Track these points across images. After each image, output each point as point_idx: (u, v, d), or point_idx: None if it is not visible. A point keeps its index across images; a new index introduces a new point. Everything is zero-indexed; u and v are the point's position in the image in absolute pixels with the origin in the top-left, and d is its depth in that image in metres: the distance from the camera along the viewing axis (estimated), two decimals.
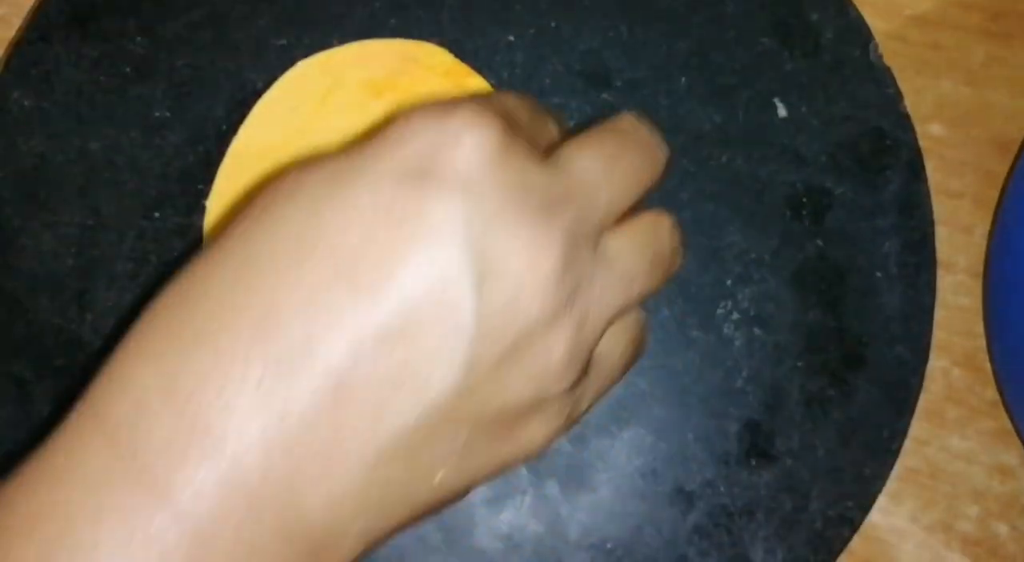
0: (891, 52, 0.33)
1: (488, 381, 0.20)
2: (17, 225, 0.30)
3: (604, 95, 0.32)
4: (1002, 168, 0.34)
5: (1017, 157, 0.33)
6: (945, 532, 0.32)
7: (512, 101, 0.23)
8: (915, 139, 0.32)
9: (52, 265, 0.30)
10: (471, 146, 0.20)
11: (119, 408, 0.20)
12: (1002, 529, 0.32)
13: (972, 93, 0.34)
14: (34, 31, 0.32)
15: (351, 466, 0.19)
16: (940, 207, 0.33)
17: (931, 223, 0.31)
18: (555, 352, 0.21)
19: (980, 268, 0.33)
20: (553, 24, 0.32)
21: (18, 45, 0.32)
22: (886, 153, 0.32)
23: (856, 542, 0.31)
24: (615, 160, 0.23)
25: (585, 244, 0.21)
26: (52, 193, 0.31)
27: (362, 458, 0.19)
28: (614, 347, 0.23)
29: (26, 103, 0.31)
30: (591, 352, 0.22)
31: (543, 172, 0.21)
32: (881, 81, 0.32)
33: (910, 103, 0.32)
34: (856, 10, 0.32)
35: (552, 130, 0.24)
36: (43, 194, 0.31)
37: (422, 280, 0.19)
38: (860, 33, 0.32)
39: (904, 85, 0.32)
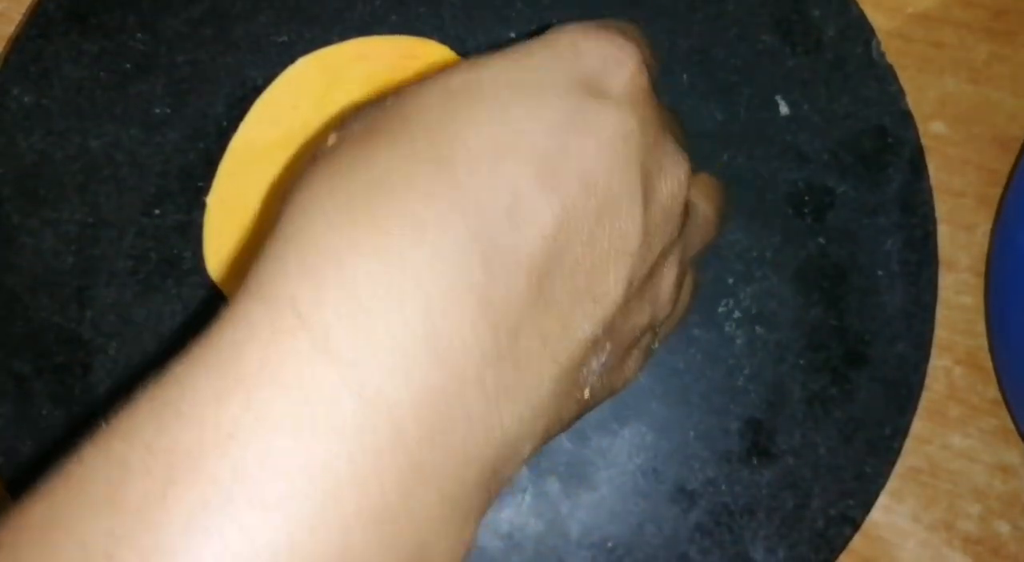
0: (893, 50, 0.33)
1: (634, 298, 0.21)
2: (17, 222, 0.30)
3: None
4: (1004, 166, 0.34)
5: (1019, 155, 0.33)
6: (946, 531, 0.32)
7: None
8: (917, 137, 0.32)
9: (52, 262, 0.30)
10: (634, 71, 0.21)
11: (297, 291, 0.18)
12: (1004, 528, 0.32)
13: (974, 91, 0.34)
14: (34, 27, 0.31)
15: (542, 378, 0.19)
16: (942, 205, 0.33)
17: (933, 221, 0.31)
18: (668, 278, 0.23)
19: (982, 267, 0.33)
20: (554, 21, 0.32)
21: (17, 41, 0.32)
22: (888, 151, 0.32)
23: (857, 541, 0.31)
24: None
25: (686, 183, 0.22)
26: (52, 190, 0.31)
27: (550, 371, 0.19)
28: (685, 288, 0.25)
29: (26, 100, 0.31)
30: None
31: (662, 116, 0.22)
32: (883, 79, 0.32)
33: (912, 101, 0.32)
34: (858, 7, 0.32)
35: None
36: (43, 191, 0.31)
37: (603, 192, 0.20)
38: (862, 30, 0.32)
39: (906, 83, 0.32)
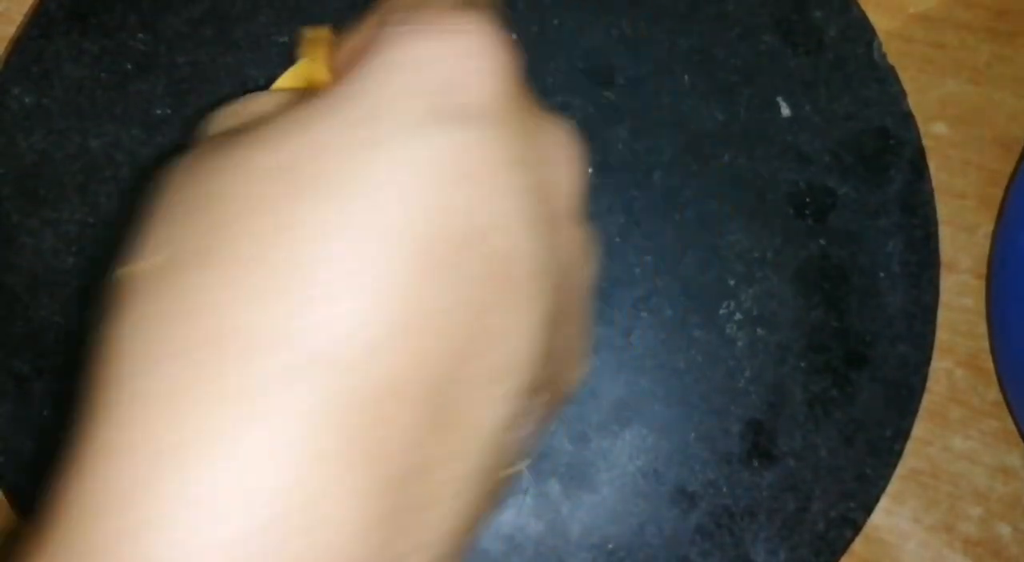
0: (895, 51, 0.33)
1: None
2: (17, 222, 0.30)
3: (607, 93, 0.32)
4: (1006, 167, 0.34)
5: (1021, 156, 0.33)
6: (947, 533, 0.32)
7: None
8: (918, 138, 0.32)
9: (52, 262, 0.30)
10: (491, 72, 0.16)
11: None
12: (1004, 530, 0.32)
13: (976, 92, 0.34)
14: (34, 27, 0.31)
15: (449, 506, 0.16)
16: (943, 207, 0.33)
17: (934, 222, 0.31)
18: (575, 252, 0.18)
19: (983, 268, 0.33)
20: (556, 22, 0.32)
21: (18, 41, 0.32)
22: (889, 152, 0.31)
23: (858, 543, 0.31)
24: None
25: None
26: (52, 190, 0.31)
27: (456, 495, 0.16)
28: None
29: (27, 100, 0.31)
30: None
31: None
32: (884, 80, 0.32)
33: (914, 102, 0.32)
34: (859, 8, 0.32)
35: None
36: (43, 191, 0.31)
37: (489, 248, 0.15)
38: (863, 31, 0.32)
39: (908, 84, 0.32)
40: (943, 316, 0.32)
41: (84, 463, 0.15)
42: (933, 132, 0.34)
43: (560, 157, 0.18)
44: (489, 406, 0.16)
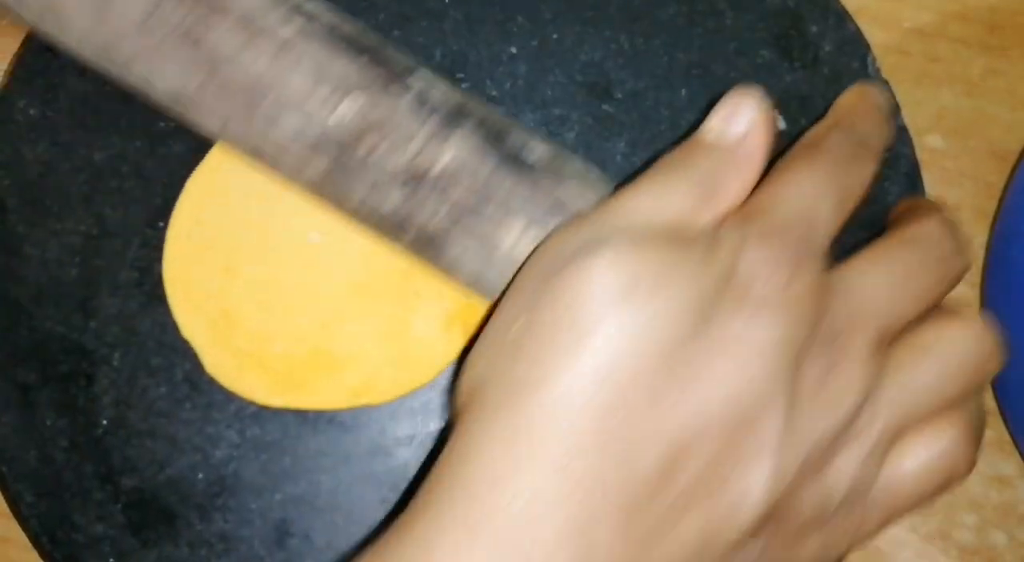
0: (890, 64, 0.33)
1: (790, 493, 0.21)
2: (22, 233, 0.31)
3: (605, 106, 0.32)
4: (1000, 179, 0.34)
5: (1015, 168, 0.33)
6: (943, 540, 0.32)
7: (802, 200, 0.23)
8: (913, 151, 0.32)
9: (56, 273, 0.30)
10: (789, 276, 0.21)
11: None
12: (1000, 538, 0.32)
13: (971, 105, 0.34)
14: (40, 40, 0.32)
15: None
16: None
17: None
18: (844, 469, 0.22)
19: (978, 279, 0.33)
20: (555, 36, 0.32)
21: (23, 54, 0.32)
22: (884, 164, 0.32)
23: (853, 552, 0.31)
24: (908, 280, 0.24)
25: (869, 359, 0.22)
26: (57, 201, 0.31)
27: None
28: (905, 468, 0.24)
29: (32, 112, 0.31)
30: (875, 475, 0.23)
31: (828, 294, 0.22)
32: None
33: (909, 115, 0.33)
34: (855, 23, 0.33)
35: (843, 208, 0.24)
36: (48, 202, 0.31)
37: (733, 408, 0.20)
38: (858, 47, 0.32)
39: (903, 97, 0.33)
40: None
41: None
42: (928, 144, 0.34)
43: (843, 371, 0.22)
44: (733, 506, 0.21)
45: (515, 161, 0.25)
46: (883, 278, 0.23)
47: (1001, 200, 0.34)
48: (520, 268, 0.23)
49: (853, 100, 0.27)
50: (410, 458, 0.29)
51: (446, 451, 0.21)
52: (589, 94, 0.32)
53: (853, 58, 0.32)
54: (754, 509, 0.20)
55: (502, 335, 0.21)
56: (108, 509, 0.29)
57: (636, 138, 0.32)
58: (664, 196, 0.22)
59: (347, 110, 0.25)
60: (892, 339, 0.23)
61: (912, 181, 0.32)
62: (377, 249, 0.29)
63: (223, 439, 0.29)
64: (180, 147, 0.31)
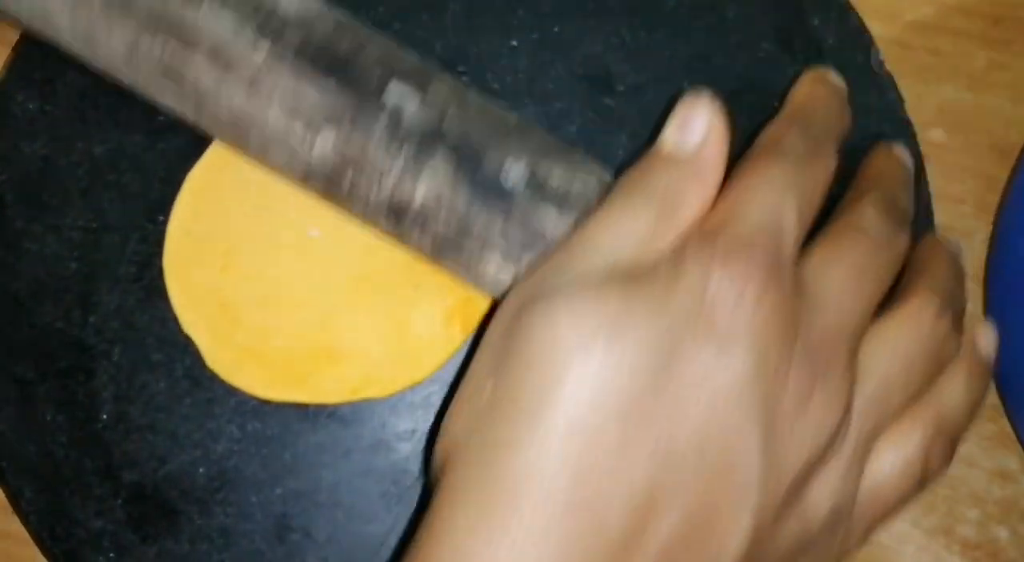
0: (892, 58, 0.33)
1: (770, 529, 0.21)
2: (20, 228, 0.30)
3: (606, 100, 0.32)
4: (1003, 173, 0.34)
5: (1017, 162, 0.33)
6: (945, 536, 0.32)
7: (781, 206, 0.22)
8: (916, 145, 0.32)
9: (55, 268, 0.30)
10: (750, 300, 0.20)
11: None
12: (1002, 533, 0.32)
13: (973, 99, 0.34)
14: None
15: None
16: (941, 212, 0.33)
17: (932, 227, 0.32)
18: (822, 493, 0.21)
19: (981, 273, 0.33)
20: (556, 29, 0.32)
21: (22, 47, 0.32)
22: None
23: None
24: (866, 273, 0.23)
25: (845, 372, 0.21)
26: (56, 196, 0.31)
27: None
28: (881, 475, 0.23)
29: (30, 106, 0.31)
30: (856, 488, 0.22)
31: (799, 308, 0.21)
32: (882, 87, 0.32)
33: (911, 108, 0.32)
34: (858, 16, 0.33)
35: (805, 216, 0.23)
36: (46, 197, 0.31)
37: (709, 452, 0.20)
38: (861, 40, 0.32)
39: (905, 91, 0.33)
40: None
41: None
42: (931, 138, 0.34)
43: (819, 401, 0.21)
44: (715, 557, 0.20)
45: (491, 189, 0.25)
46: (845, 274, 0.22)
47: (1004, 194, 0.34)
48: (489, 322, 0.22)
49: (807, 89, 0.27)
50: (411, 452, 0.29)
51: (426, 518, 0.20)
52: (590, 87, 0.32)
53: (856, 51, 0.32)
54: (735, 557, 0.20)
55: (475, 396, 0.21)
56: (108, 504, 0.29)
57: (638, 131, 0.32)
58: (624, 223, 0.22)
59: (323, 147, 0.25)
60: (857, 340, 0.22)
61: (915, 174, 0.32)
62: (377, 244, 0.29)
63: (224, 434, 0.29)
64: (179, 141, 0.31)
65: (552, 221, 0.25)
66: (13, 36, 0.33)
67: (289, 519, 0.29)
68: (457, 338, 0.30)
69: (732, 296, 0.20)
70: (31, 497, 0.29)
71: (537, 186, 0.25)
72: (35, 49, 0.32)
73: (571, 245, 0.22)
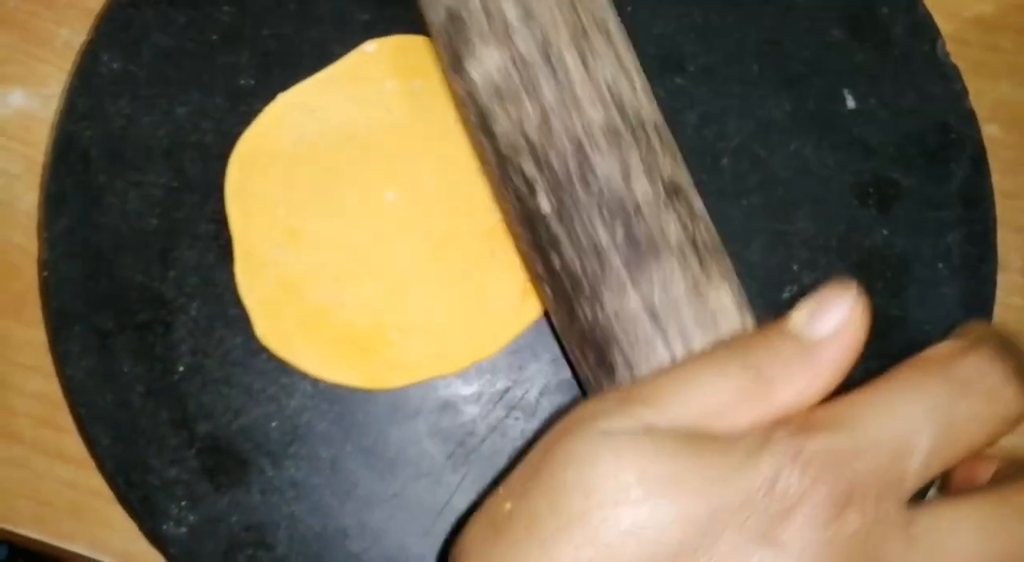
0: (951, 53, 0.34)
1: None
2: (104, 183, 0.31)
3: (678, 79, 0.32)
4: None
5: None
6: None
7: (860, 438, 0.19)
8: (979, 135, 0.32)
9: (136, 223, 0.31)
10: (823, 519, 0.18)
11: None
12: None
13: None
14: None
15: None
16: (996, 207, 0.33)
17: (993, 217, 0.32)
18: None
19: None
20: (629, 9, 0.32)
21: (109, 9, 0.33)
22: (951, 147, 0.32)
23: None
24: (1000, 536, 0.19)
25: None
26: (138, 154, 0.31)
27: None
28: None
29: (115, 66, 0.32)
30: None
31: (896, 552, 0.18)
32: (948, 77, 0.33)
33: None
34: (924, 7, 0.33)
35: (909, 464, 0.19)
36: (129, 154, 0.31)
37: None
38: (928, 30, 0.33)
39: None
40: (994, 313, 0.33)
41: None
42: (987, 134, 0.34)
43: None
44: None
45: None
46: (976, 544, 0.19)
47: None
48: (540, 437, 0.21)
49: (995, 332, 0.22)
50: (477, 415, 0.30)
51: None
52: (662, 67, 0.32)
53: (923, 41, 0.33)
54: None
55: (497, 506, 0.20)
56: (182, 454, 0.29)
57: (707, 112, 0.32)
58: (710, 382, 0.20)
59: None
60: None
61: (976, 164, 0.32)
62: (460, 205, 0.29)
63: (297, 390, 0.30)
64: (260, 104, 0.32)
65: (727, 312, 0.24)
66: (98, 3, 0.34)
67: (357, 475, 0.29)
68: (533, 312, 0.30)
69: (808, 505, 0.18)
70: (107, 445, 0.29)
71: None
72: (121, 12, 0.32)
73: (647, 387, 0.20)
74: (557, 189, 0.24)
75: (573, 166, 0.24)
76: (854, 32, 0.33)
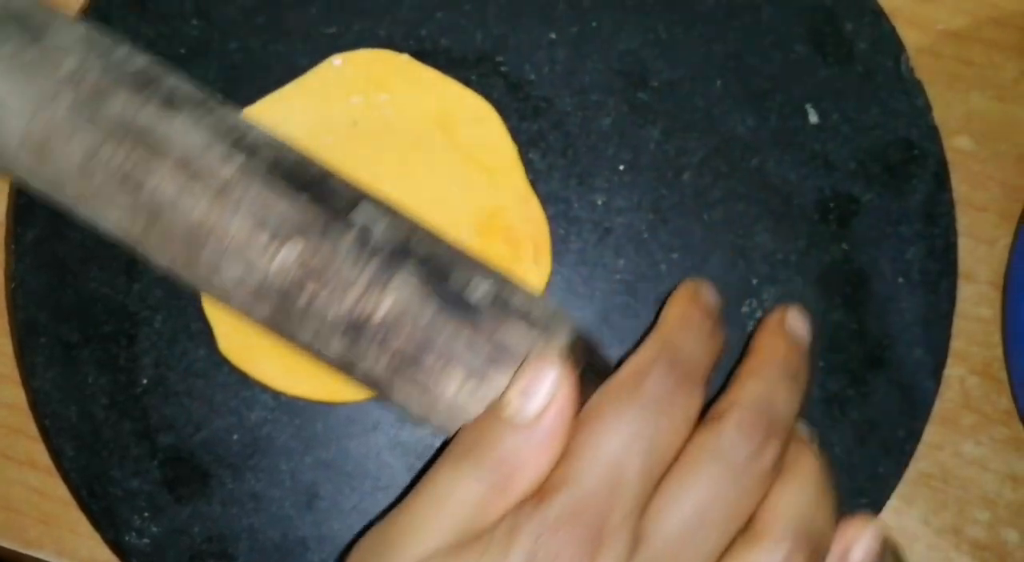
0: (922, 65, 0.34)
1: None
2: None
3: (640, 94, 0.33)
4: None
5: None
6: (955, 535, 0.33)
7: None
8: (942, 151, 0.32)
9: (103, 236, 0.31)
10: None
11: None
12: (1012, 536, 0.33)
13: (1001, 109, 0.35)
14: (93, 11, 0.33)
15: None
16: (965, 218, 0.33)
17: (954, 233, 0.32)
18: None
19: (1001, 280, 0.34)
20: (594, 23, 0.33)
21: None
22: (913, 163, 0.32)
23: None
24: (707, 514, 0.21)
25: None
26: None
27: None
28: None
29: None
30: None
31: None
32: (911, 93, 0.33)
33: (939, 116, 0.33)
34: (889, 23, 0.33)
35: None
36: None
37: None
38: (893, 46, 0.33)
39: (934, 98, 0.33)
40: (960, 325, 0.33)
41: None
42: (957, 146, 0.34)
43: None
44: None
45: (457, 303, 0.24)
46: (687, 519, 0.21)
47: None
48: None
49: (680, 310, 0.24)
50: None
51: None
52: (626, 82, 0.33)
53: (887, 57, 0.33)
54: None
55: None
56: (145, 465, 0.30)
57: (670, 127, 0.32)
58: (452, 496, 0.21)
59: (287, 257, 0.24)
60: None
61: (939, 180, 0.32)
62: (427, 221, 0.29)
63: (258, 402, 0.30)
64: None
65: (520, 335, 0.24)
66: (69, 15, 0.34)
67: (317, 487, 0.30)
68: None
69: (568, 560, 0.19)
70: (72, 456, 0.30)
71: (503, 304, 0.24)
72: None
73: (395, 523, 0.21)
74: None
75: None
76: (818, 48, 0.33)
